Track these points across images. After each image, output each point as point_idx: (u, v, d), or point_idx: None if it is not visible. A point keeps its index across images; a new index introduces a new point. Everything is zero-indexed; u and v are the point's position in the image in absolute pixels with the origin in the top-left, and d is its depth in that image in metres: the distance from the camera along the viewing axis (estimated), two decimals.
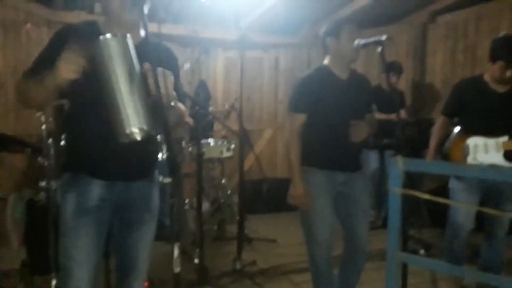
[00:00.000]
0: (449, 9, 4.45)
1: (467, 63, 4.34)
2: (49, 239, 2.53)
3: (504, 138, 2.28)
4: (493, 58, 2.28)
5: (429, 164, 1.68)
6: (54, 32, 1.48)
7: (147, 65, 1.28)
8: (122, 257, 1.59)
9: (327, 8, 4.45)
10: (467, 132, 2.36)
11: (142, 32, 1.46)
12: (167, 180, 3.07)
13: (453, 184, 2.42)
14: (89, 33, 1.42)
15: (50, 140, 2.78)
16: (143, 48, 1.33)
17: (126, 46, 1.28)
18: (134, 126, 1.25)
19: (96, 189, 1.46)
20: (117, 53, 1.26)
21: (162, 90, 1.26)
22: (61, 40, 1.41)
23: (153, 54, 1.28)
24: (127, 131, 1.26)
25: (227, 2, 4.00)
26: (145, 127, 1.26)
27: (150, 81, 1.26)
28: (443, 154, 2.47)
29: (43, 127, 2.75)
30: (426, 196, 1.49)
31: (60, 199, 1.51)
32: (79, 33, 1.44)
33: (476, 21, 4.30)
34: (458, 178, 2.36)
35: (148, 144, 1.55)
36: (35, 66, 1.45)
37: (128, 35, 1.30)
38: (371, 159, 4.19)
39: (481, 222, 2.40)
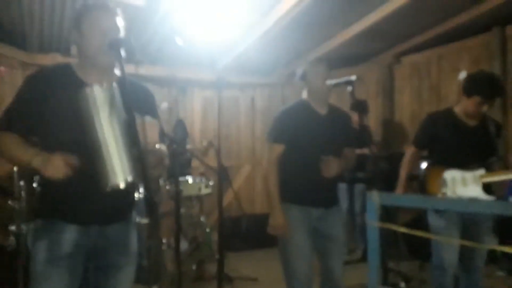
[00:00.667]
0: (412, 50, 4.73)
1: (433, 100, 4.59)
2: (19, 286, 2.40)
3: (481, 171, 2.30)
4: (468, 93, 2.31)
5: (405, 198, 1.72)
6: (26, 77, 1.45)
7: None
8: None
9: (300, 50, 4.66)
10: (441, 165, 2.37)
11: (117, 72, 1.47)
12: (144, 220, 3.02)
13: (433, 221, 2.38)
14: (63, 77, 1.42)
15: (21, 182, 2.70)
16: (119, 88, 1.34)
17: (113, 97, 1.29)
18: (120, 179, 1.26)
19: (69, 235, 1.41)
20: (104, 104, 1.27)
21: (142, 136, 1.28)
22: (35, 86, 1.41)
23: (131, 93, 1.29)
24: (112, 183, 1.26)
25: (203, 44, 4.13)
26: (129, 179, 1.27)
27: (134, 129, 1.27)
28: (419, 187, 2.47)
29: (15, 168, 2.68)
30: (403, 230, 1.53)
31: (31, 246, 1.46)
32: (52, 76, 1.43)
33: (438, 61, 4.59)
34: (437, 213, 2.34)
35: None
36: (9, 115, 1.42)
37: (115, 85, 1.31)
38: (340, 192, 4.25)
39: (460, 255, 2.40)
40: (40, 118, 1.38)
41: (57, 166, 1.28)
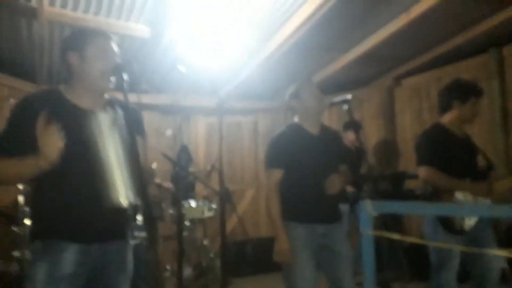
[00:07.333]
0: (411, 72, 4.80)
1: (433, 121, 4.58)
2: None
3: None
4: (463, 99, 2.33)
5: (398, 205, 1.69)
6: (15, 104, 1.43)
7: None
8: None
9: (301, 75, 4.73)
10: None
11: (107, 96, 1.52)
12: (142, 234, 2.92)
13: (436, 235, 2.25)
14: (53, 100, 1.44)
15: (26, 208, 2.72)
16: (120, 111, 1.41)
17: (115, 120, 1.39)
18: (122, 198, 1.35)
19: (70, 255, 1.39)
20: (107, 127, 1.37)
21: (143, 157, 1.35)
22: (25, 109, 1.39)
23: (124, 115, 1.36)
24: (115, 201, 1.34)
25: (205, 72, 4.25)
26: (131, 199, 1.36)
27: (135, 151, 1.30)
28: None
29: (20, 196, 2.71)
30: (397, 237, 1.52)
31: (30, 269, 1.42)
32: (42, 100, 1.42)
33: (437, 82, 4.63)
34: (444, 227, 2.21)
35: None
36: (1, 141, 1.40)
37: (119, 112, 1.40)
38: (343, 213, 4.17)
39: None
40: (33, 141, 1.33)
41: (51, 143, 1.27)
